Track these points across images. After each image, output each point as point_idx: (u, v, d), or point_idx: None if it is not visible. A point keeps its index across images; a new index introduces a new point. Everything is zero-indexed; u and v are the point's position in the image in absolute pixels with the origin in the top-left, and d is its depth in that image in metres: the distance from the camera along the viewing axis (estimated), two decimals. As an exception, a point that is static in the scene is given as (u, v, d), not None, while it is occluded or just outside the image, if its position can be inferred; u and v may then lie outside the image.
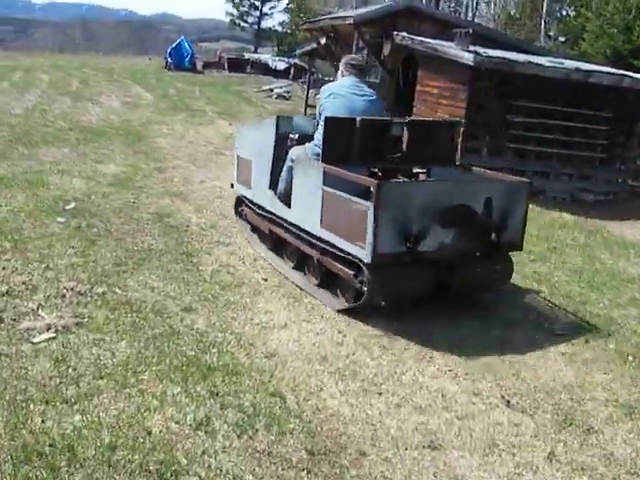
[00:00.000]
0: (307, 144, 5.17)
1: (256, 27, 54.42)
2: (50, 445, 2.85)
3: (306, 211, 4.89)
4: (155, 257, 5.41)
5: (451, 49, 10.23)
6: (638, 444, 3.45)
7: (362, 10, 16.50)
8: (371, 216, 4.16)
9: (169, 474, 2.76)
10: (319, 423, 3.29)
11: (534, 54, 12.63)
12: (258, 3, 54.13)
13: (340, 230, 4.51)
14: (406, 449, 3.18)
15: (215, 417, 3.20)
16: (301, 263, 5.25)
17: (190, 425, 3.11)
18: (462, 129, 9.89)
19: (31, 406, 3.11)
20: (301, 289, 5.05)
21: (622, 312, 5.41)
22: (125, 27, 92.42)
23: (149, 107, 16.39)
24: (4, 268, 4.82)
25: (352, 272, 4.50)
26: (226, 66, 33.21)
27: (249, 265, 5.53)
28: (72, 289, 4.52)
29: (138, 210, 6.78)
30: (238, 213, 6.53)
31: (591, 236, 8.05)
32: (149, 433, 3.01)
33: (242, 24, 55.41)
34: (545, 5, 29.40)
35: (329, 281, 4.89)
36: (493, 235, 4.69)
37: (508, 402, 3.72)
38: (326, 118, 4.85)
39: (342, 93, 5.08)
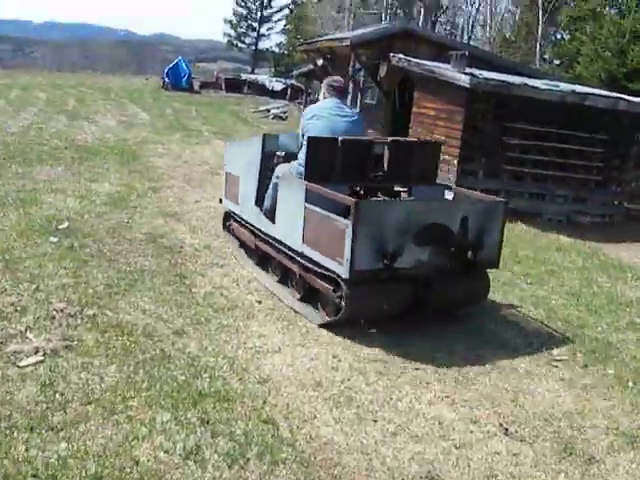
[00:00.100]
0: (292, 162, 5.31)
1: (253, 48, 54.87)
2: (33, 475, 2.75)
3: (289, 227, 5.01)
4: (148, 278, 5.33)
5: (447, 71, 10.26)
6: (640, 475, 3.37)
7: (359, 32, 16.61)
8: (349, 233, 4.27)
9: (157, 506, 2.67)
10: (313, 452, 3.19)
11: (530, 77, 12.70)
12: (255, 24, 54.65)
13: (320, 246, 4.62)
14: (402, 480, 3.09)
15: (205, 446, 3.10)
16: (285, 278, 5.35)
17: (179, 454, 3.02)
18: (458, 151, 9.94)
19: (15, 433, 3.01)
20: (283, 301, 5.15)
21: (620, 336, 5.34)
22: (123, 47, 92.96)
23: (145, 126, 16.37)
24: (-7, 289, 4.74)
25: (331, 287, 4.58)
26: (223, 86, 33.35)
27: (243, 287, 5.45)
28: (62, 311, 4.43)
29: (131, 230, 6.70)
30: (226, 228, 6.64)
31: (588, 259, 8.00)
32: (137, 463, 2.92)
33: (240, 45, 55.90)
34: (540, 28, 29.66)
35: (311, 295, 4.97)
36: (469, 253, 4.79)
37: (506, 430, 3.64)
38: (309, 138, 4.97)
39: (324, 114, 5.21)
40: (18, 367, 3.62)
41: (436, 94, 10.70)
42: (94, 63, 62.85)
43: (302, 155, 5.04)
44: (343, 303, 4.48)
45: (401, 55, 11.97)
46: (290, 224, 4.97)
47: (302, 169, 4.99)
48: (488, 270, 5.24)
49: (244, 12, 54.84)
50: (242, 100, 28.55)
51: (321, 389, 3.82)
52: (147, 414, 3.28)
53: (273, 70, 49.19)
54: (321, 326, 4.73)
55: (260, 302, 5.14)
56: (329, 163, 4.95)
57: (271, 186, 5.45)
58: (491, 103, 9.85)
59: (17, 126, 13.96)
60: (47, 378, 3.52)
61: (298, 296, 5.10)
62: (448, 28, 42.23)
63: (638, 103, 10.54)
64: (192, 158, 11.93)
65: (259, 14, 54.68)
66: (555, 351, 4.87)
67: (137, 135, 14.47)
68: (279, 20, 54.74)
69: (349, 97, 15.90)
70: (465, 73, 9.85)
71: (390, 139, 5.56)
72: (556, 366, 4.62)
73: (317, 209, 4.66)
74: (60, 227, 6.49)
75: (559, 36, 31.91)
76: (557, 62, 28.90)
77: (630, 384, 4.39)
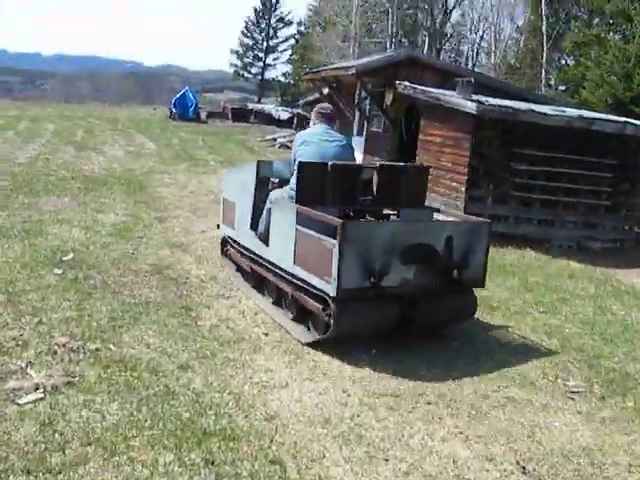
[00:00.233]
0: (285, 187, 5.48)
1: (260, 78, 55.47)
2: (29, 522, 2.63)
3: (282, 249, 5.15)
4: (152, 311, 5.23)
5: (453, 98, 10.24)
6: (666, 515, 3.21)
7: (364, 60, 16.68)
8: (336, 253, 4.41)
9: None
10: (322, 494, 3.06)
11: (536, 102, 12.66)
12: (262, 54, 55.33)
13: (310, 266, 4.75)
14: (416, 523, 2.94)
15: (210, 488, 2.98)
16: (279, 299, 5.49)
17: (182, 498, 2.89)
18: (465, 178, 9.87)
19: (10, 477, 2.89)
20: (277, 322, 5.27)
21: (638, 366, 5.18)
22: (131, 78, 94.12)
23: (152, 156, 16.43)
24: (-6, 323, 4.65)
25: (321, 306, 4.70)
26: (230, 116, 33.61)
27: (249, 319, 5.34)
28: (64, 345, 4.34)
29: (137, 261, 6.63)
30: (224, 253, 6.79)
31: (601, 286, 7.85)
32: (138, 507, 2.79)
33: (246, 75, 56.53)
34: (545, 55, 29.82)
35: (303, 315, 5.08)
36: (455, 272, 4.91)
37: (524, 468, 3.49)
38: (299, 163, 5.15)
39: (314, 140, 5.40)
40: (17, 405, 3.51)
41: (442, 121, 10.66)
42: (102, 94, 63.59)
43: (294, 180, 5.19)
44: (332, 321, 4.57)
45: (407, 83, 11.97)
46: (282, 246, 5.11)
47: (294, 193, 5.14)
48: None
49: (250, 42, 55.58)
50: (249, 129, 28.71)
51: (330, 426, 3.68)
52: (149, 455, 3.16)
53: (279, 99, 49.59)
54: (310, 345, 4.82)
55: (267, 334, 5.03)
56: (319, 187, 5.13)
57: (265, 211, 5.60)
58: (498, 129, 9.78)
59: (25, 157, 14.03)
60: (47, 417, 3.40)
61: (291, 316, 5.23)
62: (453, 55, 42.58)
63: (646, 127, 10.46)
64: (198, 188, 11.91)
65: (265, 44, 55.39)
66: (571, 382, 4.72)
67: (144, 165, 14.50)
68: (285, 50, 55.44)
69: (355, 125, 15.95)
70: (471, 100, 9.81)
71: (379, 164, 5.72)
72: (572, 398, 4.47)
73: (307, 230, 4.81)
74: (65, 258, 6.43)
75: (564, 62, 32.07)
76: (562, 88, 28.96)
77: (650, 417, 4.24)
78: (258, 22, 55.54)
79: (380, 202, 5.54)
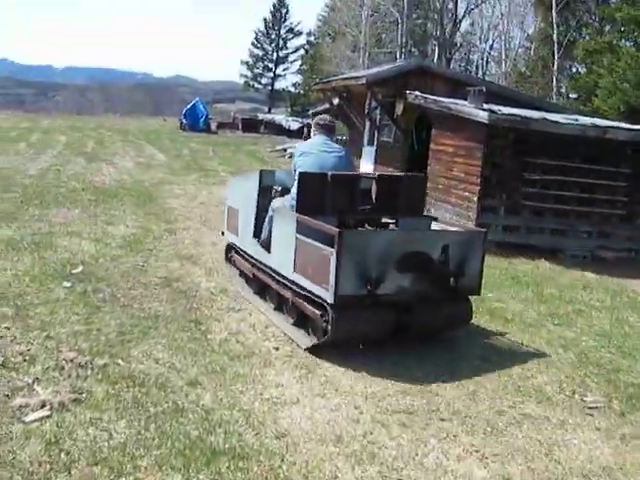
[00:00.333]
0: (286, 196, 5.59)
1: (270, 88, 55.63)
2: None
3: (282, 257, 5.26)
4: (162, 325, 5.17)
5: (465, 107, 10.15)
6: (691, 539, 3.09)
7: (374, 70, 16.65)
8: (333, 261, 4.52)
9: None
10: (334, 516, 2.97)
11: (548, 111, 12.56)
12: (272, 65, 55.54)
13: (309, 274, 4.87)
14: None
15: (219, 510, 2.89)
16: (280, 305, 5.58)
17: (191, 521, 2.81)
18: (478, 188, 9.77)
19: (15, 499, 2.83)
20: (278, 327, 5.36)
21: (658, 381, 5.05)
22: (141, 89, 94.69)
23: (162, 167, 16.45)
24: (2, 337, 4.62)
25: (319, 312, 4.78)
26: (240, 126, 33.67)
27: (260, 333, 5.26)
28: (72, 361, 4.27)
29: (146, 274, 6.58)
30: (228, 259, 6.89)
31: (616, 297, 7.72)
32: (145, 531, 2.71)
33: (256, 85, 56.74)
34: (556, 63, 29.68)
35: (303, 321, 5.17)
36: (451, 280, 4.99)
37: (542, 489, 3.38)
38: (299, 173, 5.28)
39: (313, 151, 5.55)
40: (23, 423, 3.45)
41: (454, 131, 10.58)
42: (114, 106, 64.01)
43: (294, 190, 5.30)
44: (329, 327, 4.66)
45: (417, 92, 11.90)
46: (283, 253, 5.23)
47: (294, 202, 5.26)
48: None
49: (260, 53, 55.83)
50: (259, 140, 28.74)
51: (342, 444, 3.59)
52: (157, 476, 3.08)
53: (289, 110, 49.73)
54: (310, 350, 4.88)
55: (277, 349, 4.95)
56: (319, 197, 5.24)
57: (267, 219, 5.73)
58: (510, 138, 9.69)
59: (36, 168, 14.08)
60: (53, 435, 3.34)
61: (291, 321, 5.32)
62: (463, 65, 42.53)
63: (660, 135, 10.32)
64: (209, 199, 11.88)
65: (275, 55, 55.61)
66: (589, 398, 4.60)
67: (154, 176, 14.51)
68: (295, 60, 55.64)
69: (366, 135, 15.89)
70: (483, 109, 9.73)
71: (377, 173, 5.94)
72: (591, 414, 4.35)
73: (306, 239, 4.92)
74: (74, 271, 6.39)
75: (575, 70, 31.91)
76: (574, 96, 28.80)
77: (672, 434, 4.11)
78: (268, 33, 55.80)
79: (379, 211, 5.65)
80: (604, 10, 25.82)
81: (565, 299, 7.32)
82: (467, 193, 10.06)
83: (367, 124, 15.92)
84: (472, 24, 41.19)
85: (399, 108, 13.59)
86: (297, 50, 55.54)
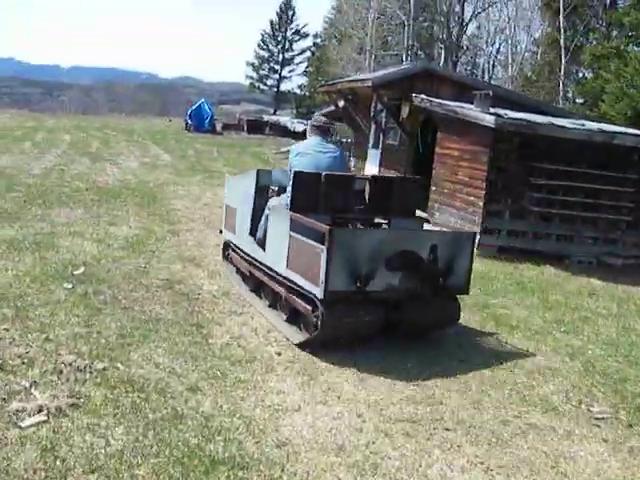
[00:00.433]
0: (282, 195, 5.72)
1: (275, 90, 55.57)
2: None
3: (277, 254, 5.38)
4: (163, 328, 5.10)
5: (471, 111, 10.08)
6: None
7: (380, 73, 16.58)
8: (324, 257, 4.63)
9: None
10: (335, 529, 2.89)
11: (554, 116, 12.46)
12: (277, 67, 55.48)
13: (301, 270, 4.99)
14: None
15: (217, 522, 2.82)
16: (275, 301, 5.67)
17: (188, 532, 2.74)
18: (483, 192, 9.69)
19: (9, 508, 2.76)
20: (271, 323, 5.47)
21: (666, 392, 4.96)
22: (147, 89, 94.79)
23: (167, 168, 16.40)
24: (1, 339, 4.55)
25: (310, 307, 4.89)
26: (245, 128, 33.59)
27: (262, 337, 5.19)
28: (71, 364, 4.21)
29: (148, 276, 6.51)
30: (225, 257, 7.03)
31: (623, 304, 7.63)
32: (141, 542, 2.64)
33: (262, 87, 56.67)
34: (563, 67, 29.55)
35: (296, 317, 5.27)
36: (440, 279, 5.11)
37: (549, 502, 3.30)
38: (294, 173, 5.42)
39: (308, 152, 5.69)
40: (20, 428, 3.38)
41: (460, 134, 10.51)
42: (119, 106, 64.10)
43: (289, 188, 5.44)
44: (319, 322, 4.76)
45: (423, 95, 11.83)
46: (277, 251, 5.36)
47: (289, 201, 5.39)
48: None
49: (266, 55, 55.76)
50: (264, 141, 28.68)
51: (344, 454, 3.51)
52: (154, 485, 3.01)
53: (295, 111, 49.66)
54: (301, 345, 4.97)
55: (280, 354, 4.88)
56: (313, 196, 5.36)
57: (263, 217, 5.85)
58: (515, 143, 9.61)
59: (40, 168, 14.04)
60: (49, 441, 3.27)
61: (284, 317, 5.43)
62: (469, 68, 42.38)
63: (668, 141, 10.22)
64: (213, 200, 11.81)
65: (281, 57, 55.55)
66: (596, 408, 4.52)
67: (158, 177, 14.46)
68: (300, 62, 55.54)
69: (371, 138, 15.82)
70: (489, 113, 9.65)
71: (370, 175, 6.02)
72: (598, 425, 4.27)
73: (299, 237, 5.04)
74: (75, 272, 6.33)
75: (581, 75, 31.78)
76: (580, 101, 28.67)
77: (681, 447, 4.03)
78: (274, 34, 55.75)
79: (372, 211, 5.80)
80: (612, 15, 25.69)
81: (571, 306, 7.24)
82: (472, 197, 9.98)
83: (372, 127, 15.85)
84: (479, 27, 41.03)
85: (405, 111, 13.52)
86: (303, 52, 55.48)
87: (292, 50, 55.91)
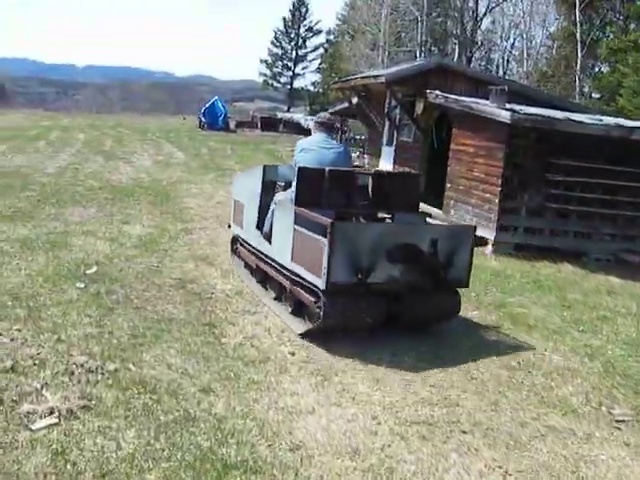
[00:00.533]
0: (288, 190, 5.83)
1: (289, 87, 55.56)
2: None
3: (282, 247, 5.51)
4: (175, 328, 5.05)
5: (487, 107, 9.95)
6: None
7: (394, 69, 16.45)
8: (326, 250, 4.74)
9: None
10: (350, 536, 2.83)
11: (570, 111, 12.29)
12: (291, 64, 55.49)
13: (305, 263, 5.11)
14: None
15: (229, 528, 2.77)
16: (280, 293, 5.79)
17: (200, 539, 2.68)
18: (499, 189, 9.57)
19: (19, 513, 2.72)
20: (276, 314, 5.60)
21: (688, 393, 4.84)
22: (161, 88, 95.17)
23: (180, 166, 16.39)
24: (13, 340, 4.52)
25: (313, 299, 5.01)
26: (259, 125, 33.60)
27: (276, 337, 5.13)
28: (82, 365, 4.17)
29: (161, 275, 6.48)
30: (233, 251, 7.17)
31: (643, 302, 7.49)
32: None
33: (275, 84, 56.72)
34: (579, 61, 29.21)
35: (300, 309, 5.39)
36: (440, 272, 5.17)
37: (570, 509, 3.21)
38: (299, 168, 5.53)
39: (313, 148, 5.81)
40: (30, 430, 3.34)
41: (475, 130, 10.38)
42: (133, 104, 64.37)
43: (294, 183, 5.52)
44: (321, 312, 4.86)
45: (438, 92, 11.71)
46: (283, 244, 5.49)
47: (294, 196, 5.47)
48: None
49: (279, 52, 55.80)
50: (277, 138, 28.64)
51: (359, 458, 3.44)
52: (165, 490, 2.96)
53: (308, 108, 49.59)
54: (303, 335, 5.11)
55: (293, 354, 4.81)
56: (317, 191, 5.46)
57: (270, 211, 5.96)
58: (531, 138, 9.47)
59: (54, 167, 14.08)
60: (59, 445, 3.22)
61: (290, 309, 5.54)
62: (483, 64, 42.08)
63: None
64: (226, 198, 11.72)
65: (294, 54, 55.56)
66: (616, 410, 4.41)
67: (172, 175, 14.45)
68: (314, 59, 55.54)
69: (385, 135, 15.71)
70: (505, 108, 9.52)
71: (373, 170, 6.20)
72: (619, 428, 4.17)
73: (303, 230, 5.17)
74: (88, 272, 6.31)
75: (597, 69, 31.42)
76: (597, 96, 28.34)
77: None
78: (287, 32, 55.75)
79: (375, 206, 5.88)
80: (629, 8, 25.36)
81: (589, 305, 7.12)
82: (488, 194, 9.86)
83: (386, 124, 15.74)
84: (493, 22, 40.71)
85: (419, 107, 13.39)
86: (316, 49, 55.44)
87: (305, 47, 55.92)
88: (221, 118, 32.01)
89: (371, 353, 4.90)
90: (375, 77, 15.02)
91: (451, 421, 3.99)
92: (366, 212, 5.85)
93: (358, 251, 4.83)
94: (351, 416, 3.91)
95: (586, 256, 9.72)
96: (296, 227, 5.26)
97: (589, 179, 9.63)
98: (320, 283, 4.83)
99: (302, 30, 55.73)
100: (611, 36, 27.22)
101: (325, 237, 4.79)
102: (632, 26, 26.48)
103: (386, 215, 5.98)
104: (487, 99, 10.55)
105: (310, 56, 55.90)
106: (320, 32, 55.08)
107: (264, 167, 6.33)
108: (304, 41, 55.84)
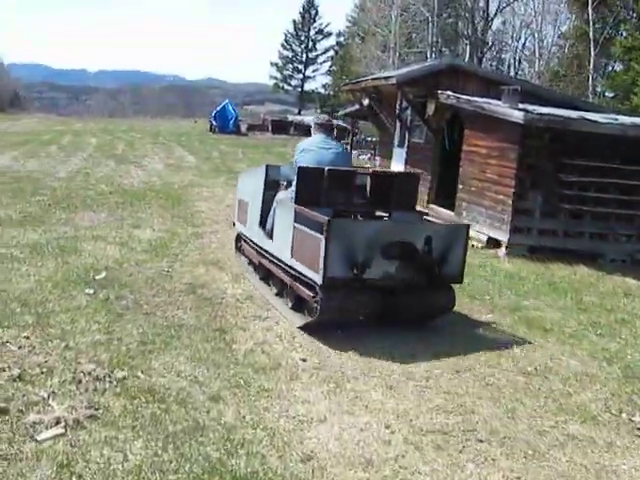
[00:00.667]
0: (289, 189, 5.94)
1: (299, 90, 55.56)
2: None
3: (283, 244, 5.68)
4: (185, 334, 4.98)
5: (499, 107, 9.82)
6: None
7: (404, 70, 16.33)
8: (323, 246, 4.91)
9: None
10: None
11: (584, 110, 12.11)
12: (301, 67, 55.50)
13: (304, 259, 5.28)
14: None
15: (239, 543, 2.68)
16: (282, 289, 5.95)
17: None
18: (512, 190, 9.44)
19: (22, 529, 2.64)
20: (277, 310, 5.75)
21: None
22: (173, 91, 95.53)
23: (191, 170, 16.38)
24: (21, 347, 4.46)
25: (311, 293, 5.19)
26: (270, 128, 33.60)
27: (287, 343, 5.04)
28: (90, 373, 4.09)
29: (171, 280, 6.41)
30: (237, 248, 7.39)
31: (661, 305, 7.33)
32: None
33: (286, 87, 56.76)
34: (592, 60, 28.93)
35: (300, 304, 5.55)
36: (435, 268, 5.29)
37: (591, 522, 3.10)
38: (299, 168, 5.68)
39: (312, 148, 5.95)
40: (36, 442, 3.27)
41: (487, 131, 10.25)
42: (145, 108, 64.63)
43: (295, 183, 5.66)
44: (318, 306, 5.04)
45: (450, 92, 11.58)
46: (283, 241, 5.67)
47: (294, 194, 5.62)
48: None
49: (290, 55, 55.83)
50: (288, 141, 28.58)
51: (372, 469, 3.34)
52: (173, 504, 2.88)
53: (319, 111, 49.53)
54: (302, 328, 5.28)
55: (305, 360, 4.72)
56: (316, 190, 5.60)
57: (272, 210, 6.14)
58: (545, 139, 9.33)
59: (66, 171, 14.11)
60: (65, 457, 3.14)
61: (290, 304, 5.70)
62: (494, 64, 41.83)
63: None
64: (236, 201, 11.71)
65: (304, 56, 55.57)
66: (637, 418, 4.28)
67: (183, 179, 14.43)
68: (324, 61, 55.52)
69: (396, 136, 15.59)
70: (518, 109, 9.39)
71: (371, 170, 6.38)
72: (640, 436, 4.04)
73: (303, 228, 5.32)
74: (97, 277, 6.26)
75: (611, 68, 31.11)
76: (610, 95, 28.07)
77: None
78: (297, 34, 55.76)
79: (373, 205, 6.06)
80: (643, 6, 25.11)
81: (606, 307, 6.98)
82: (501, 196, 9.73)
83: (397, 125, 15.61)
84: (504, 22, 40.45)
85: (430, 108, 13.25)
86: (326, 51, 55.41)
87: (315, 49, 55.92)
88: (232, 121, 32.07)
89: (384, 359, 4.80)
90: (386, 78, 14.89)
91: (467, 429, 3.88)
92: (364, 210, 6.04)
93: (354, 247, 4.99)
94: (364, 425, 3.81)
95: (602, 257, 9.56)
96: (296, 225, 5.42)
97: (604, 179, 9.47)
98: (317, 278, 5.01)
99: (312, 32, 55.74)
100: (625, 34, 26.94)
101: (322, 234, 4.95)
102: (646, 24, 26.21)
103: (383, 213, 6.13)
104: (499, 99, 10.41)
105: (320, 58, 55.95)
106: (330, 34, 55.11)
107: (267, 167, 6.47)
108: (314, 43, 55.85)
